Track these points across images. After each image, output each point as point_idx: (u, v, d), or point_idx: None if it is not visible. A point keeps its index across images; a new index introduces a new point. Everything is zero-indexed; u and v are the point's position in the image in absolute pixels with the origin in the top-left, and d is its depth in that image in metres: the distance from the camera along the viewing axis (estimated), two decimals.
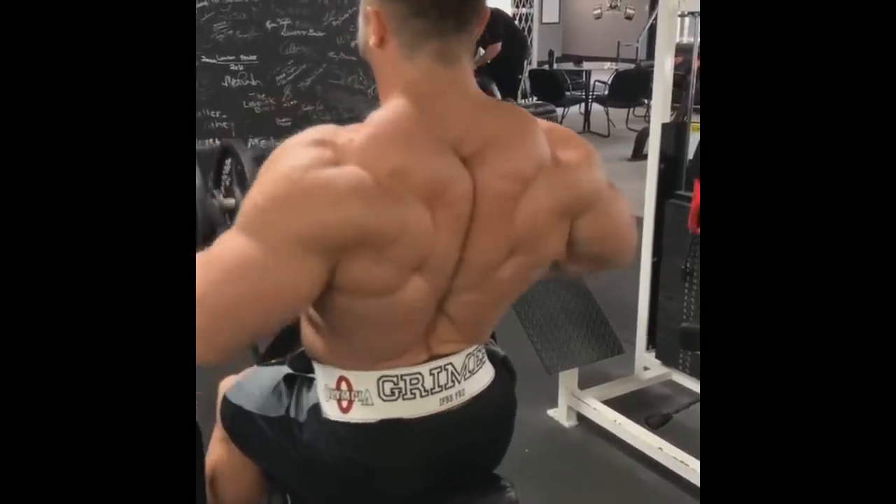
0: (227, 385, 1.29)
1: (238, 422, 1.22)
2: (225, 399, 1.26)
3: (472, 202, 0.93)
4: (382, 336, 1.00)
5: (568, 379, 2.44)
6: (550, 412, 2.52)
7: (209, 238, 1.90)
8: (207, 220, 1.87)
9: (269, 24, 3.60)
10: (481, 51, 7.18)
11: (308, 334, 1.08)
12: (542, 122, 1.02)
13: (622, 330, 2.49)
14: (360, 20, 0.98)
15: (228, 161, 2.03)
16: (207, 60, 3.50)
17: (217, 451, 1.32)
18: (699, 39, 2.44)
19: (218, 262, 0.86)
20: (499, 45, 6.67)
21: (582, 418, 2.45)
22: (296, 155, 0.87)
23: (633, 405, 2.44)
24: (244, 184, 1.93)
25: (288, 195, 0.85)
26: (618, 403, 2.41)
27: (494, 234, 0.96)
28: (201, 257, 0.87)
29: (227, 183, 2.04)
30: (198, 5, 3.41)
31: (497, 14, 7.02)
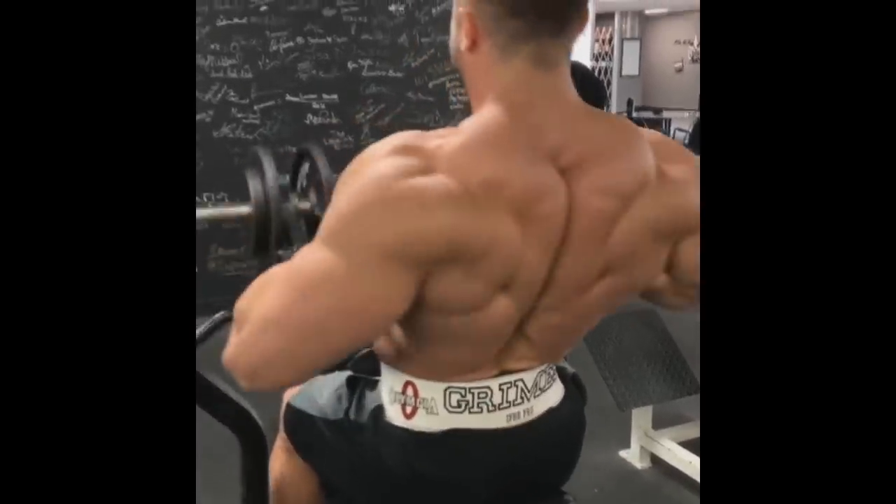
0: (290, 392, 1.29)
1: (298, 426, 1.21)
2: (287, 405, 1.25)
3: (567, 219, 0.88)
4: (457, 352, 0.97)
5: (641, 419, 2.35)
6: (622, 453, 2.43)
7: (282, 239, 1.89)
8: (281, 221, 1.89)
9: (350, 65, 3.71)
10: None
11: (379, 340, 1.05)
12: (651, 134, 0.97)
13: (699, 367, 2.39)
14: (452, 24, 0.94)
15: (306, 164, 2.05)
16: (291, 98, 3.62)
17: (278, 459, 1.32)
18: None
19: (299, 276, 0.83)
20: None
21: (656, 460, 2.35)
22: (382, 164, 0.83)
23: None
24: (321, 187, 1.95)
25: (375, 204, 0.81)
26: (694, 446, 2.30)
27: (587, 254, 0.90)
28: (280, 271, 0.85)
29: (304, 186, 2.06)
30: (283, 46, 3.56)
31: (574, 68, 7.06)
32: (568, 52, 0.92)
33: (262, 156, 1.94)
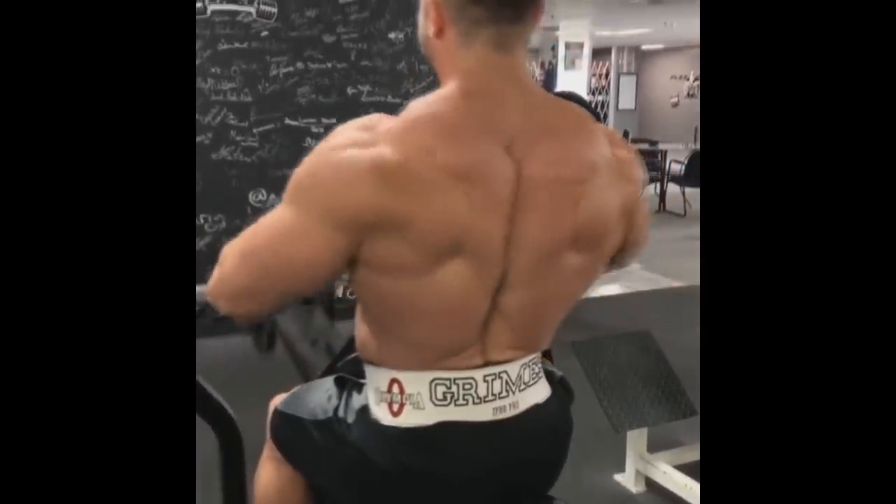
0: (276, 399, 1.29)
1: (286, 430, 1.20)
2: (275, 411, 1.25)
3: (517, 186, 0.93)
4: (433, 327, 0.98)
5: (636, 442, 2.34)
6: (617, 477, 2.40)
7: (275, 333, 1.92)
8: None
9: (349, 90, 3.75)
10: None
11: (362, 334, 1.07)
12: (599, 124, 1.04)
13: (695, 391, 2.39)
14: (420, 14, 1.02)
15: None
16: (290, 122, 3.65)
17: (266, 470, 1.31)
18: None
19: (261, 226, 0.96)
20: None
21: (651, 484, 2.32)
22: (337, 135, 0.93)
23: None
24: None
25: (317, 170, 0.92)
26: (690, 469, 2.28)
27: (548, 221, 0.96)
28: (253, 224, 0.98)
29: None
30: (283, 70, 3.60)
31: (570, 97, 7.16)
32: (524, 39, 0.99)
33: None
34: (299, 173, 0.93)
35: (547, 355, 1.19)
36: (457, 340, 1.00)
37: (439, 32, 0.97)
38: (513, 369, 1.03)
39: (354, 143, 0.91)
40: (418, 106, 0.94)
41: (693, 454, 2.39)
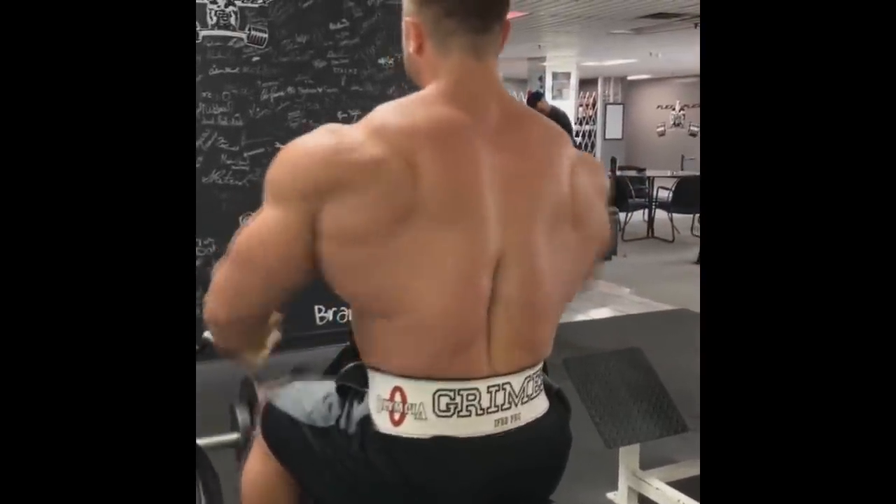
0: (268, 394, 1.28)
1: (282, 431, 1.19)
2: (269, 407, 1.24)
3: (497, 160, 1.01)
4: (428, 294, 0.98)
5: (629, 459, 2.33)
6: (610, 495, 2.40)
7: None
8: None
9: (340, 115, 3.77)
10: None
11: (363, 338, 1.07)
12: None
13: (689, 406, 2.39)
14: (403, 37, 1.11)
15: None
16: (281, 146, 3.65)
17: (255, 466, 1.29)
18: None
19: (244, 230, 1.05)
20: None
21: (644, 501, 2.31)
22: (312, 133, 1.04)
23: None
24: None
25: (283, 157, 1.04)
26: (683, 486, 2.27)
27: (535, 191, 1.03)
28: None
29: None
30: (274, 95, 3.62)
31: (557, 112, 7.25)
32: (495, 49, 1.08)
33: (255, 386, 1.98)
34: (270, 171, 1.04)
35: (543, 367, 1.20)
36: (461, 324, 0.99)
37: (419, 49, 1.07)
38: (516, 381, 1.04)
39: (326, 132, 1.02)
40: (395, 101, 1.04)
41: (685, 471, 2.39)
